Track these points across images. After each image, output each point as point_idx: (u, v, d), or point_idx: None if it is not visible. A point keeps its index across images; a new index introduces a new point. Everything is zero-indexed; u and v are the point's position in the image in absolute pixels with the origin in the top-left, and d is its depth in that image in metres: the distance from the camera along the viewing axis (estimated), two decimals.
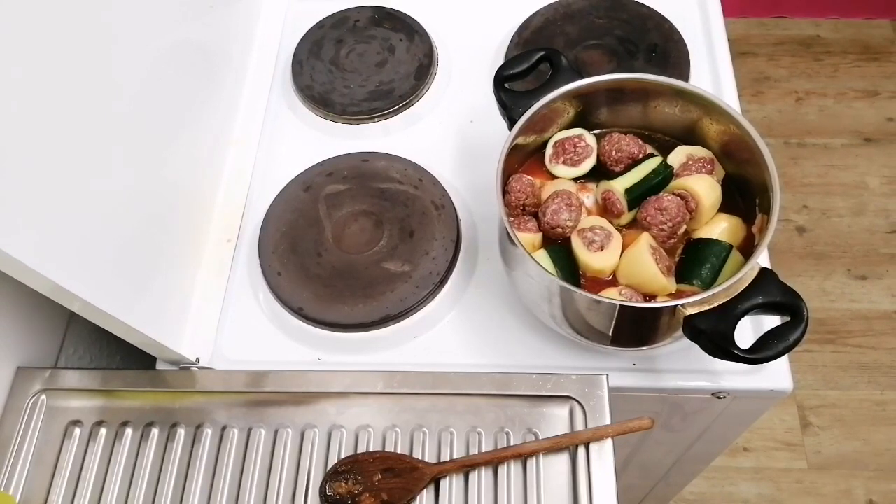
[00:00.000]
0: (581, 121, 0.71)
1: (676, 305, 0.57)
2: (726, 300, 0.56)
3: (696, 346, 0.57)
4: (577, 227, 0.65)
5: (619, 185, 0.65)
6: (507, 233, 0.61)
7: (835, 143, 1.87)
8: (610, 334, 0.63)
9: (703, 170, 0.66)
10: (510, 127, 0.67)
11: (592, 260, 0.63)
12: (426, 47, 0.91)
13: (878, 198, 1.79)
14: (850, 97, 1.94)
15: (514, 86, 0.70)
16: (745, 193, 0.67)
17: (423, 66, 0.90)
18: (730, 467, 1.52)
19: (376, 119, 0.88)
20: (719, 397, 0.71)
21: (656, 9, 0.91)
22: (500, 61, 0.90)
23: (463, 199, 0.81)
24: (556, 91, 0.66)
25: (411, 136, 0.87)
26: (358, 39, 0.94)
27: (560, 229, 0.65)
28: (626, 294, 0.62)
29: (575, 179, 0.70)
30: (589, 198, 0.68)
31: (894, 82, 1.95)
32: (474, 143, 0.86)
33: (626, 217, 0.66)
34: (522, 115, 0.66)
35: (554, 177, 0.70)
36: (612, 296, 0.62)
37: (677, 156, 0.68)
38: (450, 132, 0.87)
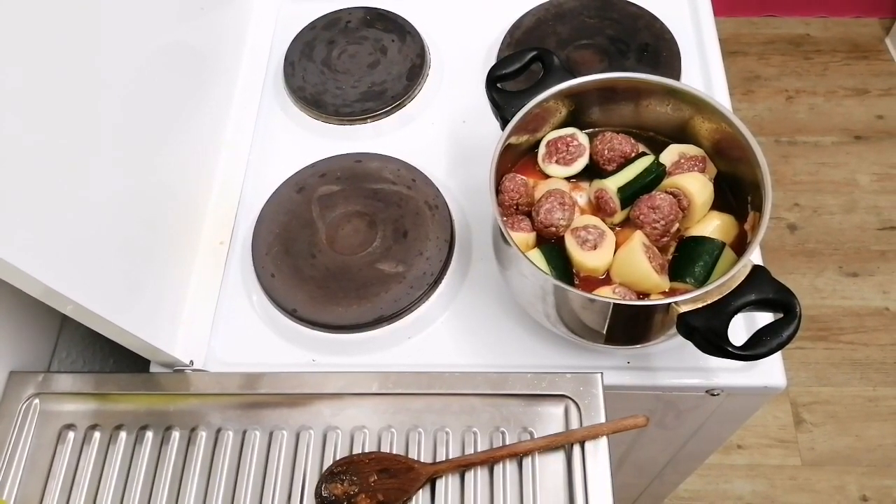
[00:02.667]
0: (573, 120, 0.71)
1: (670, 303, 0.57)
2: (719, 297, 0.56)
3: (689, 344, 0.58)
4: (571, 227, 0.65)
5: (612, 183, 0.65)
6: (501, 232, 0.61)
7: (825, 141, 1.88)
8: (604, 333, 0.63)
9: (695, 168, 0.67)
10: (503, 127, 0.67)
11: (586, 259, 0.64)
12: (418, 48, 0.91)
13: (869, 195, 1.80)
14: (840, 95, 1.95)
15: (506, 85, 0.70)
16: (736, 191, 0.67)
17: (415, 67, 0.90)
18: (724, 465, 1.53)
19: (369, 120, 0.88)
20: (713, 394, 0.71)
21: (647, 8, 0.91)
22: (492, 61, 0.90)
23: (456, 199, 0.81)
24: (548, 91, 0.67)
25: (404, 137, 0.87)
26: (350, 40, 0.94)
27: (553, 228, 0.65)
28: (620, 292, 0.62)
29: (568, 179, 0.70)
30: (582, 197, 0.69)
31: (883, 80, 1.96)
32: (467, 144, 0.86)
33: (619, 216, 0.66)
34: (515, 114, 0.66)
35: (547, 176, 0.70)
36: (605, 294, 0.62)
37: (669, 154, 0.68)
38: (442, 132, 0.87)
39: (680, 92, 0.67)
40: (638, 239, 0.63)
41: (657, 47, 0.88)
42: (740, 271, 0.57)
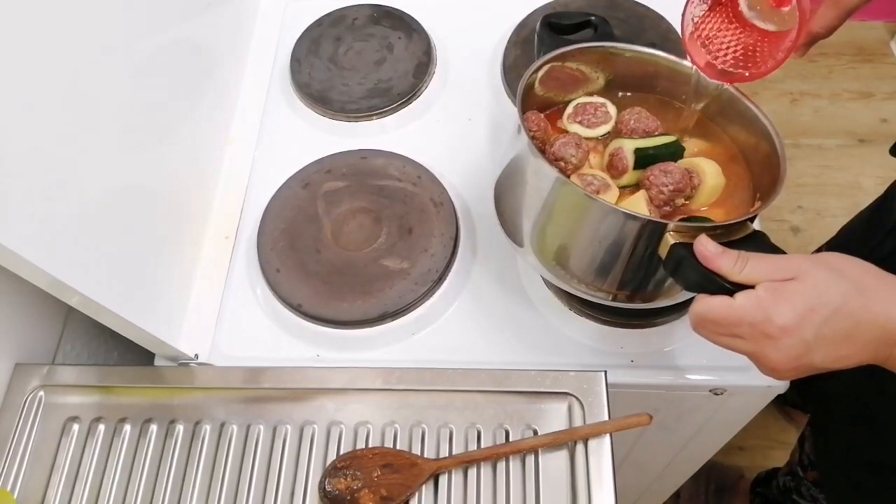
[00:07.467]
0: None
1: (666, 223, 0.55)
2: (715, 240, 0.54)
3: (694, 343, 0.58)
4: (579, 171, 0.65)
5: (630, 143, 0.64)
6: (520, 126, 0.60)
7: (829, 144, 1.88)
8: (597, 264, 0.61)
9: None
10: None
11: None
12: (424, 45, 0.92)
13: (872, 198, 1.79)
14: (845, 98, 1.95)
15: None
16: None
17: (421, 64, 0.90)
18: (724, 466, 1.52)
19: (375, 117, 0.88)
20: (716, 393, 0.71)
21: (653, 8, 0.91)
22: (498, 60, 0.90)
23: (461, 196, 0.81)
24: (590, 42, 0.68)
25: (410, 134, 0.87)
26: (356, 37, 0.94)
27: (563, 163, 0.64)
28: None
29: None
30: (597, 159, 0.68)
31: (888, 84, 1.96)
32: (472, 141, 0.86)
33: (628, 177, 0.65)
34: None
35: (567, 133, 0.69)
36: None
37: (688, 145, 0.68)
38: (448, 130, 0.87)
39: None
40: (641, 194, 0.62)
41: (663, 48, 0.87)
42: (741, 227, 0.55)
